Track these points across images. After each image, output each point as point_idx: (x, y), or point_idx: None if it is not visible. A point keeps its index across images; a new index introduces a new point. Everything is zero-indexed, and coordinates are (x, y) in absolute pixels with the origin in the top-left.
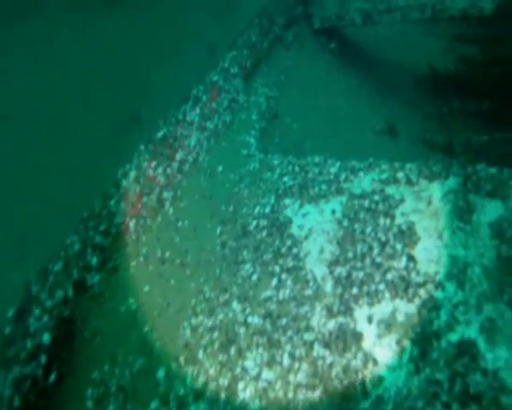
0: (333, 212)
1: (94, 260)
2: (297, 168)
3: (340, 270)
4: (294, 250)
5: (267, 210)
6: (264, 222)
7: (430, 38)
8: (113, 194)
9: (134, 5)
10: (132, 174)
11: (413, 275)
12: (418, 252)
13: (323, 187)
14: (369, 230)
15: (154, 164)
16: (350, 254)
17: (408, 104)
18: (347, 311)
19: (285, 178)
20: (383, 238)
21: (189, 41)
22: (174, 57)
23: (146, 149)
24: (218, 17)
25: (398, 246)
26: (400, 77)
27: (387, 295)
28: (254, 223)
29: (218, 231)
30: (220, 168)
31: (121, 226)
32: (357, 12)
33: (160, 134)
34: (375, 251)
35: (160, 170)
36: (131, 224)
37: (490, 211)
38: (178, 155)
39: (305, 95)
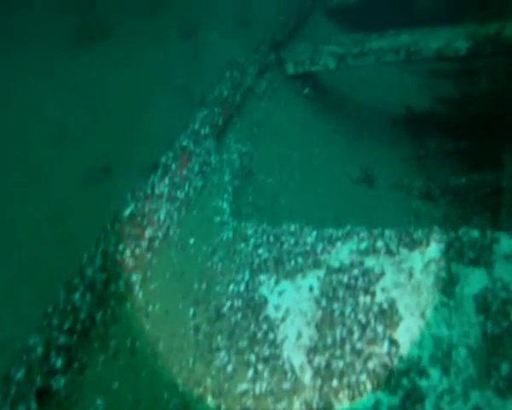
0: (310, 289)
1: (59, 363)
2: (272, 238)
3: (319, 359)
4: (271, 336)
5: (241, 288)
6: (238, 302)
7: (406, 74)
8: (77, 285)
9: (108, 48)
10: (98, 261)
11: (395, 361)
12: (400, 334)
13: (300, 260)
14: (348, 310)
15: (121, 247)
16: (329, 340)
17: (385, 147)
18: (327, 407)
19: (260, 250)
20: (363, 320)
21: (160, 96)
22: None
23: (112, 230)
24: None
25: (380, 328)
26: (376, 119)
27: (369, 386)
28: (228, 304)
29: (191, 313)
30: (192, 241)
31: (87, 321)
32: (330, 56)
33: (127, 212)
34: (356, 335)
35: (127, 252)
36: (98, 316)
37: (474, 281)
38: (147, 233)
39: (279, 146)
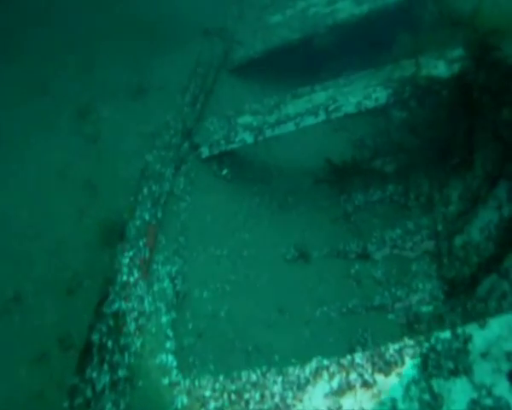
0: None
1: None
2: (234, 397)
3: None
4: None
5: None
6: None
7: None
8: None
9: None
10: None
11: None
12: None
13: None
14: None
15: None
16: None
17: (312, 210)
18: None
19: None
20: None
21: None
22: None
23: None
24: None
25: None
26: (298, 180)
27: None
28: None
29: None
30: None
31: None
32: (246, 131)
33: None
34: None
35: None
36: None
37: (458, 397)
38: None
39: (208, 248)
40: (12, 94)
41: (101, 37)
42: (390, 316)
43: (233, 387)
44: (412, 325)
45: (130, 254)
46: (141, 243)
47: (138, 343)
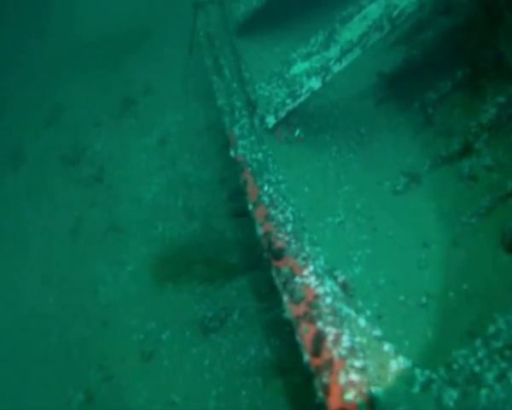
0: None
1: None
2: None
3: None
4: None
5: None
6: None
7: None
8: None
9: None
10: None
11: None
12: None
13: None
14: None
15: None
16: None
17: (390, 131)
18: None
19: None
20: None
21: None
22: None
23: None
24: None
25: None
26: (363, 109)
27: None
28: None
29: None
30: None
31: None
32: (311, 77)
33: None
34: None
35: None
36: None
37: None
38: None
39: (325, 218)
40: None
41: None
42: None
43: None
44: None
45: None
46: None
47: None
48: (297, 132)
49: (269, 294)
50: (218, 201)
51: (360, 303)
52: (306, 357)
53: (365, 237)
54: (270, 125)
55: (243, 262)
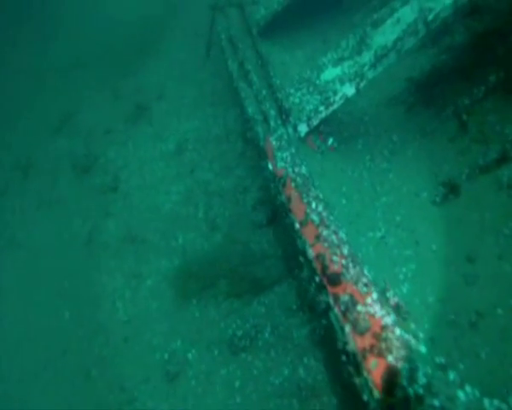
0: None
1: None
2: None
3: None
4: None
5: None
6: None
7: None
8: None
9: None
10: None
11: None
12: None
13: None
14: None
15: None
16: None
17: (425, 139)
18: None
19: None
20: None
21: None
22: None
23: None
24: None
25: None
26: (393, 116)
27: None
28: None
29: None
30: None
31: None
32: (344, 83)
33: None
34: None
35: None
36: None
37: None
38: None
39: (366, 233)
40: None
41: None
42: None
43: None
44: None
45: None
46: None
47: None
48: (330, 141)
49: (299, 309)
50: (241, 211)
51: (413, 325)
52: (376, 394)
53: (409, 252)
54: (302, 134)
55: (270, 276)
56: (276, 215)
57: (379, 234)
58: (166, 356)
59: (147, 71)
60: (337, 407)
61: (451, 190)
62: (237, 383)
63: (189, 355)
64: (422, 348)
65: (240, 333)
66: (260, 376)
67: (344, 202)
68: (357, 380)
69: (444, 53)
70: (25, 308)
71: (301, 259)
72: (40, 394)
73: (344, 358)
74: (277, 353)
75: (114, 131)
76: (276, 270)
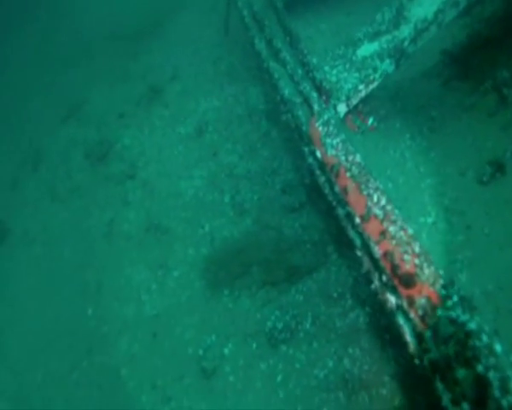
0: None
1: None
2: None
3: None
4: None
5: None
6: None
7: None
8: None
9: None
10: None
11: None
12: None
13: None
14: None
15: None
16: None
17: (463, 113)
18: None
19: None
20: None
21: None
22: None
23: None
24: None
25: None
26: (429, 91)
27: None
28: None
29: None
30: None
31: None
32: (384, 59)
33: None
34: None
35: None
36: None
37: None
38: None
39: (418, 218)
40: None
41: None
42: None
43: None
44: None
45: None
46: None
47: None
48: (371, 121)
49: (340, 297)
50: (270, 194)
51: (479, 319)
52: (465, 407)
53: (461, 238)
54: (341, 115)
55: (307, 262)
56: (309, 199)
57: (430, 219)
58: (201, 352)
59: (158, 50)
60: (387, 399)
61: (498, 168)
62: (279, 378)
63: (225, 350)
64: (498, 348)
65: (280, 325)
66: (303, 369)
67: (390, 185)
68: (445, 397)
69: (477, 23)
70: (43, 308)
71: (359, 253)
72: (65, 399)
73: (421, 368)
74: (320, 344)
75: (128, 115)
76: (312, 256)
